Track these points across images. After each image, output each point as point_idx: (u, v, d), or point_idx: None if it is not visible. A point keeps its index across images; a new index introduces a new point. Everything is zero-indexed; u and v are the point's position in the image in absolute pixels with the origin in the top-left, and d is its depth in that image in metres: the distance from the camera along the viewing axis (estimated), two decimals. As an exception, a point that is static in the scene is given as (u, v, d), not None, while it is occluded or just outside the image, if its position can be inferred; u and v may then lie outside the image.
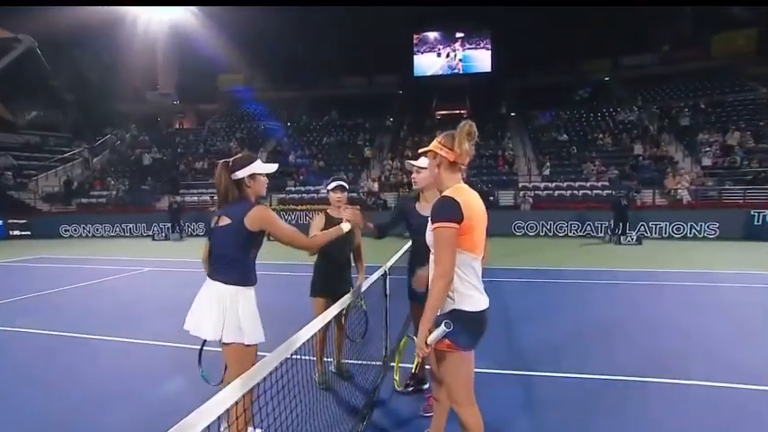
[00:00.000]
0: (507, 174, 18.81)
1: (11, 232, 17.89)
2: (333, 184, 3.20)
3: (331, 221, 3.11)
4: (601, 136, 20.59)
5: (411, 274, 2.77)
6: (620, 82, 25.99)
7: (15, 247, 14.31)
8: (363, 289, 2.88)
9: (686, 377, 3.35)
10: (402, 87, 29.56)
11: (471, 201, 1.84)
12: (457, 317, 1.80)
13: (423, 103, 27.11)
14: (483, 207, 1.92)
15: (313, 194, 18.52)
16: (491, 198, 16.07)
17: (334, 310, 2.26)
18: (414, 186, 2.81)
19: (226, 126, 28.03)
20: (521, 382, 3.36)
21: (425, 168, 2.61)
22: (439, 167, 1.92)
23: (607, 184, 16.59)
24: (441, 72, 29.41)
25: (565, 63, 27.28)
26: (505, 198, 16.90)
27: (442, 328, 1.75)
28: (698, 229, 13.67)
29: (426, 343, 1.79)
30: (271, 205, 18.18)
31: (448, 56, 29.22)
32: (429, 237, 1.89)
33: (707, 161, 17.01)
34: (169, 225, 16.59)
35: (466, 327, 1.83)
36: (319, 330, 2.40)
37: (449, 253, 1.76)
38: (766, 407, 2.90)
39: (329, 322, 2.37)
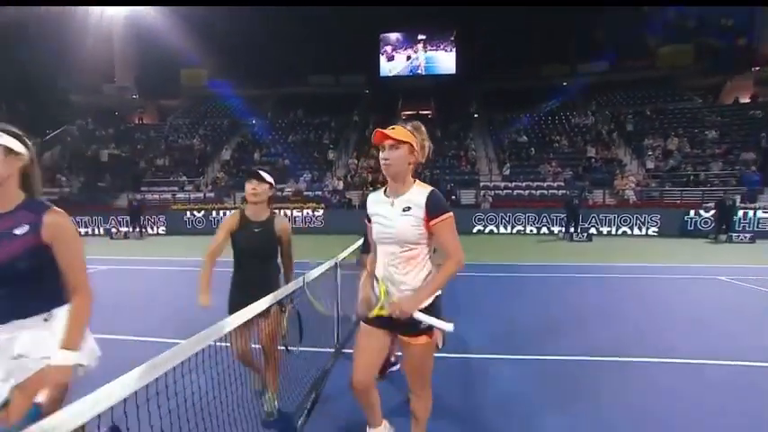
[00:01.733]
0: (469, 173, 19.37)
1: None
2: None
3: (245, 223, 2.58)
4: (558, 138, 21.57)
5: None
6: (577, 87, 27.22)
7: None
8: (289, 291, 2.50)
9: (625, 355, 3.84)
10: (368, 87, 29.71)
11: None
12: (440, 300, 1.94)
13: (388, 103, 27.35)
14: None
15: (277, 193, 18.32)
16: (453, 197, 16.50)
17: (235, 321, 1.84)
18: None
19: (189, 122, 27.20)
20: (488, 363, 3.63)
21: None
22: (409, 164, 1.90)
23: (562, 184, 17.44)
24: (405, 73, 29.80)
25: (528, 67, 28.23)
26: (467, 197, 17.41)
27: (450, 327, 1.85)
28: (642, 226, 14.66)
29: (414, 317, 1.82)
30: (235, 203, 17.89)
31: (409, 58, 29.65)
32: (413, 231, 1.85)
33: (650, 164, 18.22)
34: (129, 223, 15.98)
35: (441, 309, 1.95)
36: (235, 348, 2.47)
37: (458, 239, 1.86)
38: (669, 378, 3.37)
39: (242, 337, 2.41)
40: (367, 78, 29.75)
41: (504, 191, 17.50)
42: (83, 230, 16.98)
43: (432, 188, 1.90)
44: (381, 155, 1.88)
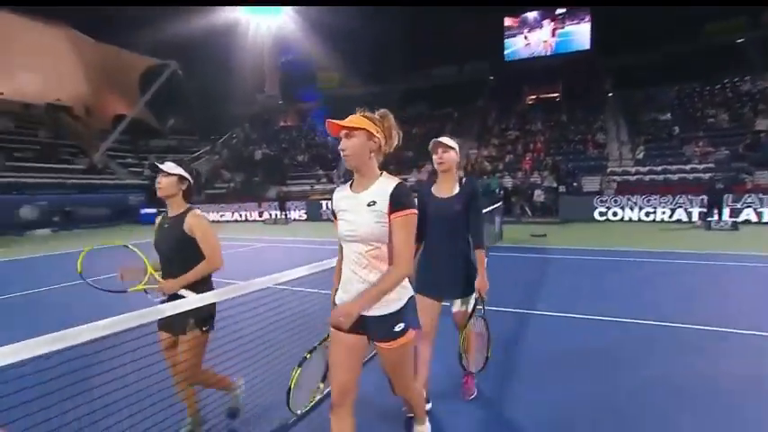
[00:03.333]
0: (596, 158, 18.37)
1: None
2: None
3: (162, 220, 2.49)
4: (713, 112, 18.87)
5: (426, 263, 2.67)
6: (758, 43, 22.68)
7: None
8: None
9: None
10: (492, 73, 29.70)
11: None
12: (413, 300, 1.88)
13: (513, 88, 27.05)
14: None
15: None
16: (574, 184, 16.08)
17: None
18: (438, 168, 2.63)
19: (323, 122, 31.06)
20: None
21: (453, 149, 2.63)
22: (371, 151, 1.81)
23: (712, 166, 15.45)
24: (532, 54, 28.91)
25: (682, 30, 24.61)
26: (591, 183, 16.68)
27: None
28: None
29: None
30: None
31: (537, 38, 28.62)
32: (376, 228, 1.74)
33: None
34: (277, 211, 19.59)
35: (415, 308, 1.91)
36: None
37: (413, 240, 1.76)
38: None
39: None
40: (491, 64, 29.77)
41: (636, 176, 16.27)
42: (242, 215, 21.28)
43: (398, 181, 1.79)
44: (340, 146, 1.82)
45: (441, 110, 27.20)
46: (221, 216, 21.79)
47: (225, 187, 24.80)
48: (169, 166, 2.38)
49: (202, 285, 2.33)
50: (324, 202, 19.76)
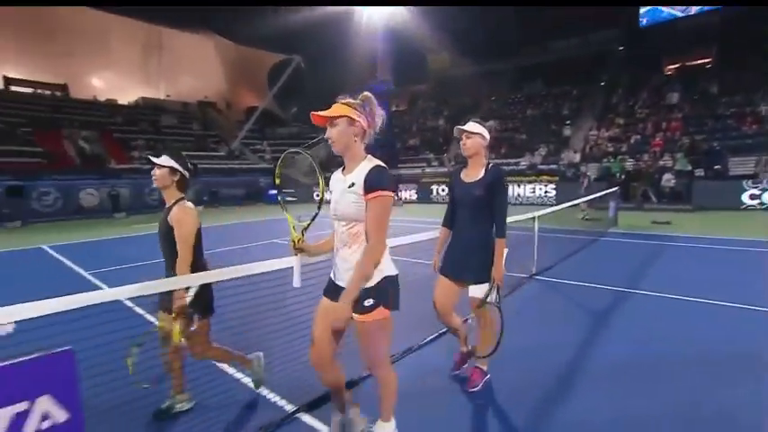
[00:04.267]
0: (754, 135, 15.65)
1: (286, 198, 25.39)
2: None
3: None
4: None
5: (451, 244, 2.83)
6: None
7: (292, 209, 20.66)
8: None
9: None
10: (623, 42, 26.67)
11: None
12: (390, 282, 1.94)
13: (648, 58, 24.06)
14: None
15: (513, 167, 19.65)
16: (717, 167, 14.04)
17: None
18: (464, 153, 2.72)
19: (435, 105, 31.37)
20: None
21: (476, 134, 2.66)
22: (356, 136, 1.91)
23: None
24: (678, 14, 24.98)
25: None
26: (742, 166, 14.34)
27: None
28: None
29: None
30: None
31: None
32: (351, 207, 1.89)
33: None
34: (390, 193, 20.73)
35: (396, 290, 1.98)
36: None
37: (388, 222, 1.87)
38: None
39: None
40: (622, 33, 26.69)
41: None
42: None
43: (378, 164, 1.89)
44: (325, 134, 1.94)
45: (558, 87, 25.49)
46: (336, 194, 23.73)
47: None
48: (162, 159, 2.51)
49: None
50: (435, 186, 20.24)
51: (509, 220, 5.61)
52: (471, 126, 2.67)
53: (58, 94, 28.56)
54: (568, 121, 21.96)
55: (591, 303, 4.65)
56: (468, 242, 2.69)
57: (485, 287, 2.67)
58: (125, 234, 12.32)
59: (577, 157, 18.39)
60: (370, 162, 1.90)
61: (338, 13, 32.33)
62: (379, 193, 1.82)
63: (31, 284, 6.27)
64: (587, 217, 11.29)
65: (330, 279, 2.11)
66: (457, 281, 2.76)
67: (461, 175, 2.77)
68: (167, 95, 33.69)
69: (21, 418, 1.53)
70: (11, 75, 27.99)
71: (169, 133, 27.23)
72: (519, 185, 17.82)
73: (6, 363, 1.51)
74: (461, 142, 2.70)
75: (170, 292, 2.26)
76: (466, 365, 3.06)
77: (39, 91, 27.85)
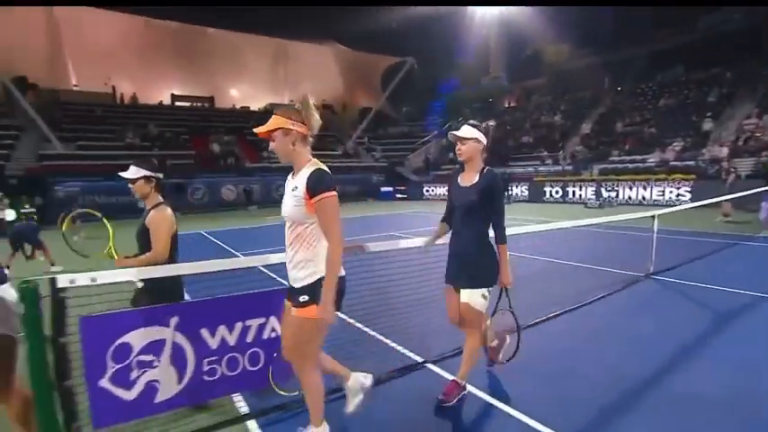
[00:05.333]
0: None
1: (397, 195, 26.45)
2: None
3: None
4: None
5: (450, 250, 2.76)
6: None
7: (399, 205, 21.58)
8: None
9: None
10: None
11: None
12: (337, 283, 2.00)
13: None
14: None
15: (638, 164, 17.91)
16: None
17: None
18: (459, 158, 2.67)
19: (551, 100, 29.82)
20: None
21: (471, 139, 2.57)
22: (294, 144, 1.97)
23: None
24: None
25: None
26: None
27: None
28: None
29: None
30: (591, 174, 18.92)
31: None
32: (295, 210, 1.96)
33: None
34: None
35: (342, 291, 2.06)
36: None
37: (339, 221, 1.93)
38: None
39: None
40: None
41: None
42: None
43: (317, 167, 1.95)
44: None
45: (704, 71, 22.31)
46: (447, 189, 24.00)
47: (451, 168, 26.94)
48: (131, 172, 2.60)
49: (153, 282, 2.37)
50: (548, 187, 19.37)
51: (621, 217, 5.57)
52: (465, 131, 2.58)
53: (207, 105, 33.87)
54: (709, 113, 19.14)
55: (713, 306, 4.35)
56: (463, 247, 2.61)
57: (476, 293, 2.56)
58: (259, 224, 14.34)
59: (724, 152, 16.04)
60: (312, 166, 1.96)
61: (449, 11, 32.63)
62: (323, 195, 1.88)
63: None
64: (729, 219, 9.97)
65: None
66: (456, 287, 2.67)
67: (458, 179, 2.70)
68: (291, 100, 37.38)
69: (262, 327, 2.57)
70: (176, 92, 33.92)
71: (292, 135, 30.25)
72: (645, 187, 16.09)
73: (257, 291, 2.62)
74: (456, 147, 2.62)
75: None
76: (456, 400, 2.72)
77: (194, 104, 33.32)
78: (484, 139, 2.59)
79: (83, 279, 1.95)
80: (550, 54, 33.21)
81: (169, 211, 2.64)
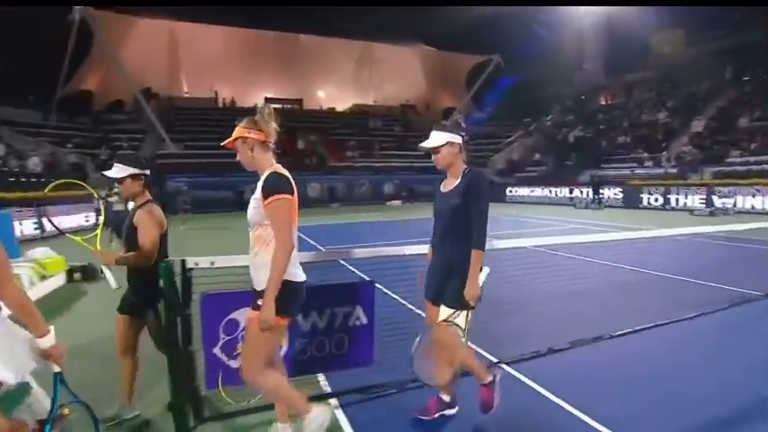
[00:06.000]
0: None
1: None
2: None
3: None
4: None
5: (431, 266, 2.53)
6: None
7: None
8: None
9: None
10: None
11: (291, 179, 2.05)
12: (287, 287, 1.98)
13: None
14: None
15: (763, 165, 15.73)
16: None
17: None
18: (437, 167, 2.48)
19: (655, 95, 27.25)
20: None
21: (443, 146, 2.35)
22: (252, 151, 2.05)
23: None
24: None
25: None
26: None
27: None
28: None
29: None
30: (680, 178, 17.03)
31: None
32: (254, 213, 2.02)
33: None
34: (591, 195, 19.15)
35: (291, 297, 2.02)
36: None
37: (288, 224, 1.96)
38: None
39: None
40: None
41: None
42: (552, 197, 21.76)
43: (273, 171, 2.02)
44: None
45: None
46: (531, 191, 23.15)
47: (536, 171, 25.90)
48: (116, 170, 2.48)
49: (142, 280, 2.50)
50: (645, 193, 17.76)
51: (737, 227, 5.00)
52: (434, 138, 2.35)
53: (296, 107, 36.09)
54: None
55: None
56: (446, 260, 2.38)
57: (461, 313, 2.32)
58: (342, 221, 15.04)
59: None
60: (270, 170, 2.03)
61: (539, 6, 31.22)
62: (273, 198, 1.93)
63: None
64: None
65: None
66: (436, 304, 2.45)
67: (441, 186, 2.50)
68: (374, 101, 38.49)
69: (348, 315, 2.81)
70: (268, 95, 36.69)
71: (375, 135, 31.14)
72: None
73: (343, 282, 2.88)
74: (432, 159, 2.44)
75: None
76: (437, 414, 2.55)
77: (284, 106, 35.73)
78: (458, 138, 2.35)
79: (204, 262, 2.34)
80: (660, 43, 30.28)
81: (158, 209, 2.54)
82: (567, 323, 4.11)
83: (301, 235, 11.22)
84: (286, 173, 2.04)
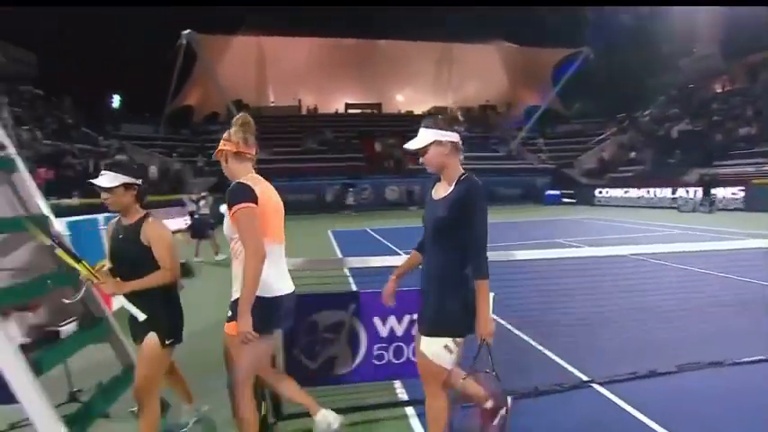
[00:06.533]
0: None
1: (563, 200, 24.52)
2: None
3: (114, 229, 2.31)
4: None
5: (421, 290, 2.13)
6: None
7: (565, 210, 19.94)
8: None
9: None
10: None
11: (265, 190, 2.01)
12: (259, 303, 1.88)
13: None
14: (279, 198, 2.12)
15: None
16: None
17: None
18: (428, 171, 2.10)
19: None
20: None
21: (431, 144, 1.97)
22: (227, 161, 2.10)
23: None
24: None
25: None
26: None
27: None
28: None
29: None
30: None
31: None
32: (227, 226, 2.00)
33: None
34: (701, 197, 17.10)
35: (269, 312, 1.95)
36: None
37: (253, 231, 1.89)
38: None
39: None
40: None
41: None
42: (651, 199, 19.73)
43: (238, 181, 1.99)
44: None
45: None
46: (626, 193, 21.25)
47: (631, 170, 23.73)
48: (106, 180, 2.15)
49: (157, 300, 2.17)
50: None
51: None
52: (420, 138, 1.97)
53: (375, 111, 36.91)
54: None
55: None
56: (427, 279, 2.03)
57: (436, 342, 1.93)
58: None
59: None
60: (238, 180, 2.01)
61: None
62: (235, 207, 1.89)
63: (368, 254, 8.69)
64: None
65: None
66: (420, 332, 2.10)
67: (432, 191, 2.11)
68: (453, 103, 37.97)
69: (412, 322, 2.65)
70: (348, 101, 37.97)
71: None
72: None
73: (418, 288, 2.57)
74: (420, 160, 2.05)
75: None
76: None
77: (364, 110, 36.78)
78: (449, 135, 1.94)
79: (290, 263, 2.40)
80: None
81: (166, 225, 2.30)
82: (674, 344, 3.65)
83: (378, 237, 11.57)
84: (250, 182, 1.98)
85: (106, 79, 31.55)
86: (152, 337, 2.15)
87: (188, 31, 22.84)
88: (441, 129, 1.95)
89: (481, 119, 34.49)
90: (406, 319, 2.69)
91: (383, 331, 2.67)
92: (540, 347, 3.65)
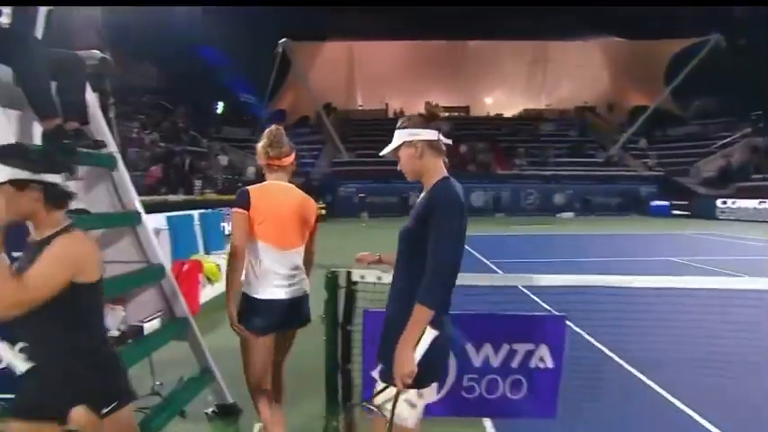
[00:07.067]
0: None
1: (673, 212, 21.85)
2: None
3: (29, 244, 1.51)
4: None
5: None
6: None
7: (677, 223, 17.65)
8: None
9: None
10: None
11: (269, 194, 2.15)
12: (247, 300, 2.11)
13: None
14: (292, 203, 2.18)
15: None
16: None
17: None
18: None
19: None
20: None
21: (401, 146, 1.66)
22: (263, 172, 2.33)
23: None
24: None
25: None
26: None
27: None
28: None
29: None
30: None
31: None
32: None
33: None
34: None
35: (252, 311, 2.10)
36: None
37: (236, 233, 2.11)
38: None
39: None
40: None
41: None
42: None
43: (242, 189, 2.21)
44: None
45: None
46: (759, 204, 18.35)
47: (763, 179, 20.39)
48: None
49: (68, 355, 1.43)
50: None
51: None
52: (394, 141, 1.67)
53: (463, 114, 36.10)
54: None
55: None
56: (390, 302, 1.67)
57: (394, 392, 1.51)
58: (507, 232, 14.22)
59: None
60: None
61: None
62: (232, 210, 2.16)
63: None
64: None
65: None
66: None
67: (418, 199, 1.71)
68: (547, 105, 35.89)
69: (530, 354, 2.30)
70: (433, 103, 37.68)
71: (546, 141, 28.92)
72: None
73: (530, 314, 2.44)
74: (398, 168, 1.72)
75: None
76: None
77: (451, 113, 36.10)
78: (420, 134, 1.61)
79: (370, 276, 2.14)
80: None
81: (81, 233, 1.48)
82: None
83: (465, 246, 10.98)
84: (257, 190, 2.16)
85: (212, 87, 34.53)
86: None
87: (284, 39, 24.16)
88: (413, 127, 1.64)
89: (578, 122, 32.17)
90: (505, 348, 2.31)
91: (476, 361, 2.31)
92: (662, 390, 3.04)
